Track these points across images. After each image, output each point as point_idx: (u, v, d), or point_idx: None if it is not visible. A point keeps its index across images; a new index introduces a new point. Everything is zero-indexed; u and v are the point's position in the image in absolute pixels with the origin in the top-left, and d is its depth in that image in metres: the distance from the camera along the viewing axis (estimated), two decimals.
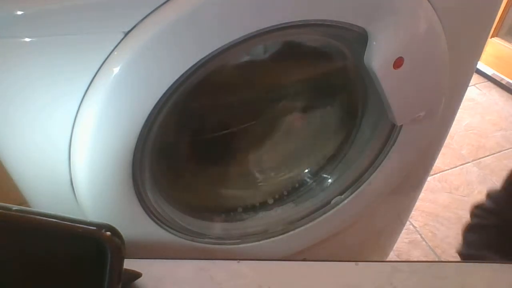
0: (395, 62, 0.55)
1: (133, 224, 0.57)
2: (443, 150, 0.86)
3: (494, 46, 1.97)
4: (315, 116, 0.84)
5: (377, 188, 0.76)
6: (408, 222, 1.03)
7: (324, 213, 0.75)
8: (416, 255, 1.30)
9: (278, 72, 0.79)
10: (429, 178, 0.94)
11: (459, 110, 0.78)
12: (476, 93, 1.94)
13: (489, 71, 2.00)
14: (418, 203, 0.99)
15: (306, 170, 0.80)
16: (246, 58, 0.74)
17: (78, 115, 0.45)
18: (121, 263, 0.31)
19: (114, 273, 0.31)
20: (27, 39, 0.39)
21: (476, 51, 0.68)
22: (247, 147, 0.85)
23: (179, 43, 0.44)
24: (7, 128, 0.45)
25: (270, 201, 0.78)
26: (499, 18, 1.92)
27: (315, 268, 0.42)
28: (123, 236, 0.31)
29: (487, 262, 0.43)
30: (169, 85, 0.46)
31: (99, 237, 0.30)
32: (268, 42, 0.69)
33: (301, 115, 0.85)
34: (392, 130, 0.69)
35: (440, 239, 1.36)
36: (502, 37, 1.98)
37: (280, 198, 0.79)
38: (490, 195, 0.78)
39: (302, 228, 0.75)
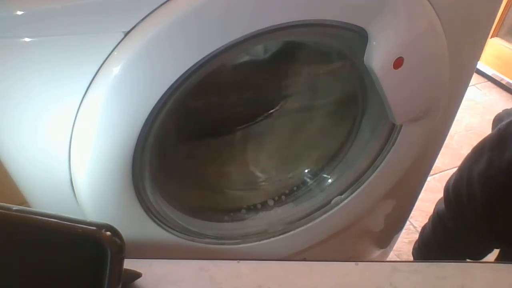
0: (395, 62, 0.55)
1: (133, 224, 0.57)
2: (443, 150, 0.86)
3: (494, 46, 1.96)
4: (315, 116, 0.84)
5: (377, 188, 0.76)
6: (408, 222, 1.03)
7: (324, 213, 0.75)
8: None
9: (278, 72, 0.79)
10: (429, 178, 0.94)
11: (459, 110, 0.78)
12: (476, 93, 1.93)
13: (489, 71, 2.00)
14: (418, 203, 0.99)
15: (306, 170, 0.80)
16: (246, 58, 0.74)
17: (78, 115, 0.45)
18: (121, 263, 0.31)
19: (114, 273, 0.31)
20: (27, 39, 0.39)
21: (476, 51, 0.68)
22: (247, 147, 0.85)
23: (179, 43, 0.44)
24: (7, 128, 0.45)
25: (270, 202, 0.78)
26: (499, 18, 1.92)
27: (315, 268, 0.42)
28: (123, 236, 0.31)
29: (487, 262, 0.43)
30: (169, 85, 0.46)
31: (99, 237, 0.30)
32: (268, 42, 0.69)
33: (301, 115, 0.85)
34: (392, 130, 0.69)
35: None
36: (502, 37, 1.97)
37: (280, 199, 0.78)
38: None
39: (302, 228, 0.75)
